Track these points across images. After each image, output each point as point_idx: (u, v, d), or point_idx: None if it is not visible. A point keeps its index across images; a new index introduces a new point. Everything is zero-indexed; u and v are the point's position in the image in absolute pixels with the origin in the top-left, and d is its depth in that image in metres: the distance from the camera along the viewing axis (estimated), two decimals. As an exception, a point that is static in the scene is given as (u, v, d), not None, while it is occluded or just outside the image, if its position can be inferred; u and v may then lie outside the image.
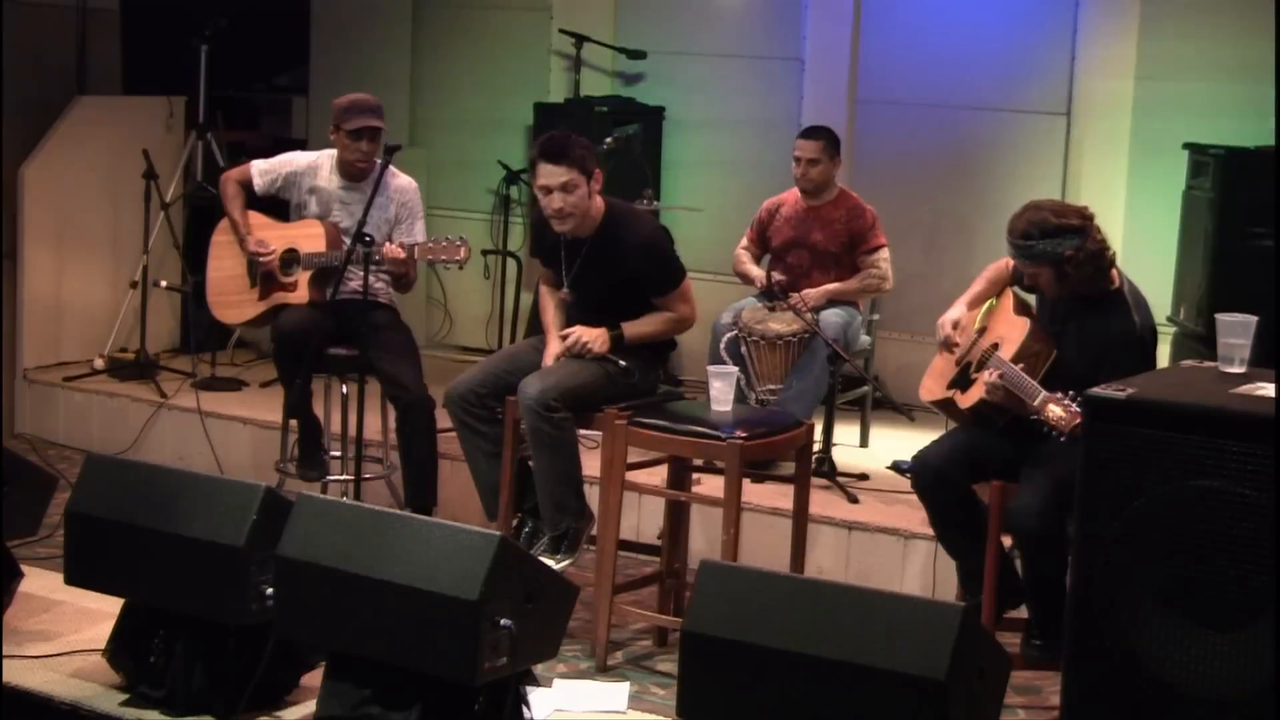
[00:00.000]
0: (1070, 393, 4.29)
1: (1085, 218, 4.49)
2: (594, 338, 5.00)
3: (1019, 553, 4.53)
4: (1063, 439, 4.28)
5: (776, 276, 6.03)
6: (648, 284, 5.05)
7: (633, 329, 5.05)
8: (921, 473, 4.67)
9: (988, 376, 4.54)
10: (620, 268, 5.02)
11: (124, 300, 7.56)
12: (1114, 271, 4.57)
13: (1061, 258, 4.45)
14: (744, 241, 6.48)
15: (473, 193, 8.14)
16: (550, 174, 4.90)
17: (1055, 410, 4.29)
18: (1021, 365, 4.48)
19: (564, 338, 5.04)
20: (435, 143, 8.33)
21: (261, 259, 5.77)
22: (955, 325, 4.84)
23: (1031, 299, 4.77)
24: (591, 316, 5.07)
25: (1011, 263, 4.75)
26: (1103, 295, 4.55)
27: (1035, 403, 4.35)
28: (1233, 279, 5.79)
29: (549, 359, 5.05)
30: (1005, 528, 4.50)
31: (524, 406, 4.86)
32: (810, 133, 6.36)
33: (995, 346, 4.67)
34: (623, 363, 5.02)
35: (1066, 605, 3.75)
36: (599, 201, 5.02)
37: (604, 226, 5.03)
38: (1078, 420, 4.17)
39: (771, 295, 6.04)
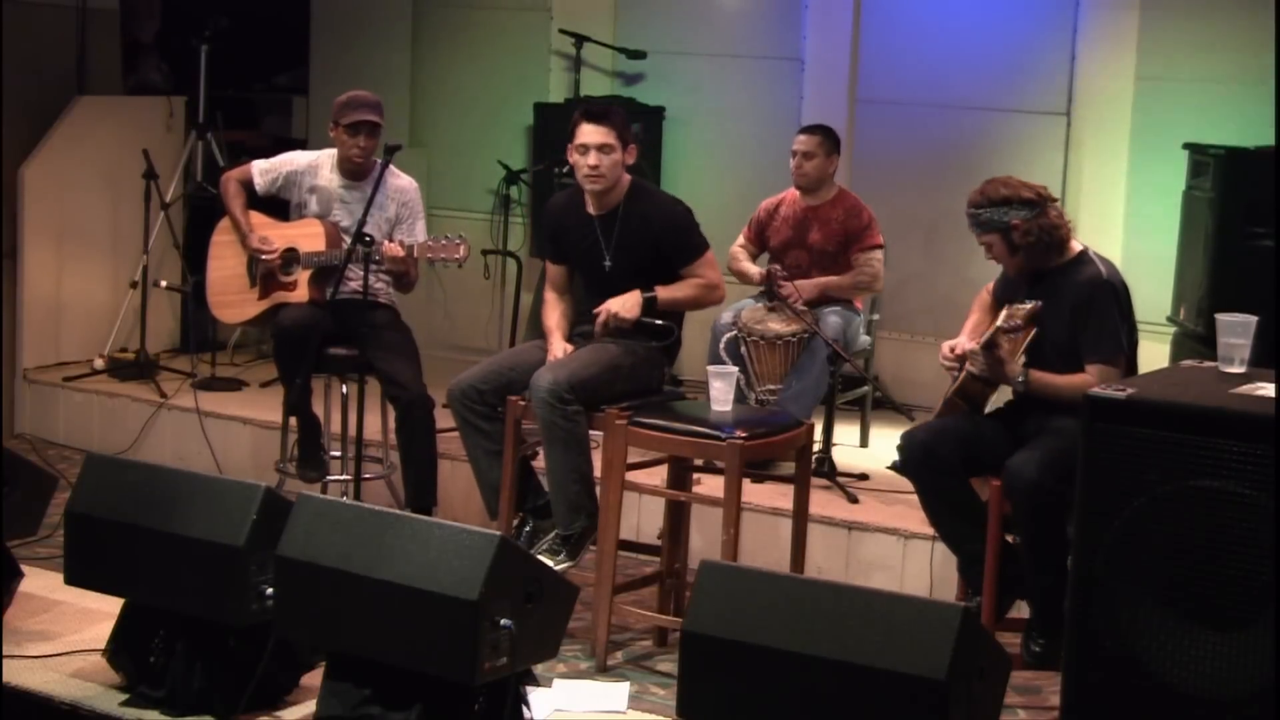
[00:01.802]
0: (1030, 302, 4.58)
1: (1040, 195, 4.61)
2: (623, 304, 5.02)
3: (1017, 531, 4.52)
4: (1017, 329, 4.52)
5: (776, 271, 6.03)
6: (674, 255, 5.10)
7: (666, 292, 5.08)
8: (909, 448, 4.67)
9: (967, 348, 4.67)
10: (647, 239, 5.07)
11: (124, 300, 7.56)
12: (1073, 242, 4.68)
13: (1008, 225, 4.56)
14: (740, 240, 6.48)
15: (473, 193, 8.13)
16: (590, 133, 5.00)
17: (1007, 318, 4.54)
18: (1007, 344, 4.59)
19: (595, 315, 5.06)
20: (435, 143, 8.33)
21: (264, 256, 5.77)
22: (954, 348, 4.84)
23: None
24: (636, 285, 5.10)
25: (993, 284, 4.89)
26: (1067, 264, 4.64)
27: (992, 332, 4.57)
28: (1233, 279, 5.78)
29: (555, 355, 5.05)
30: (1004, 493, 4.49)
31: (536, 399, 4.86)
32: (808, 128, 6.38)
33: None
34: (660, 321, 5.06)
35: (1066, 605, 3.75)
36: (625, 176, 5.11)
37: (629, 200, 5.11)
38: (1029, 315, 4.53)
39: (771, 294, 6.04)
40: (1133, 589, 3.58)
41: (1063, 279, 4.61)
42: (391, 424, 5.76)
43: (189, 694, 3.91)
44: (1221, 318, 4.03)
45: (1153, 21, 6.83)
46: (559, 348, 5.09)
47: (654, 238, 5.07)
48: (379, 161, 5.65)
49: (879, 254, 6.26)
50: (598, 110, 5.07)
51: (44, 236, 7.43)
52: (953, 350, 4.81)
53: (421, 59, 8.39)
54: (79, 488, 4.14)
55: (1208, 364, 4.08)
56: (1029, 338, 4.60)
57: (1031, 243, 4.57)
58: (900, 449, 4.72)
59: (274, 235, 5.83)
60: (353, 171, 5.79)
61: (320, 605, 3.68)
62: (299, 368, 5.57)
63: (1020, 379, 4.58)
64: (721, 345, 5.96)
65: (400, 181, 5.80)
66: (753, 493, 5.59)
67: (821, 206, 6.31)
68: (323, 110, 7.85)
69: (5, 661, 4.08)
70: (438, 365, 6.55)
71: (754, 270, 6.32)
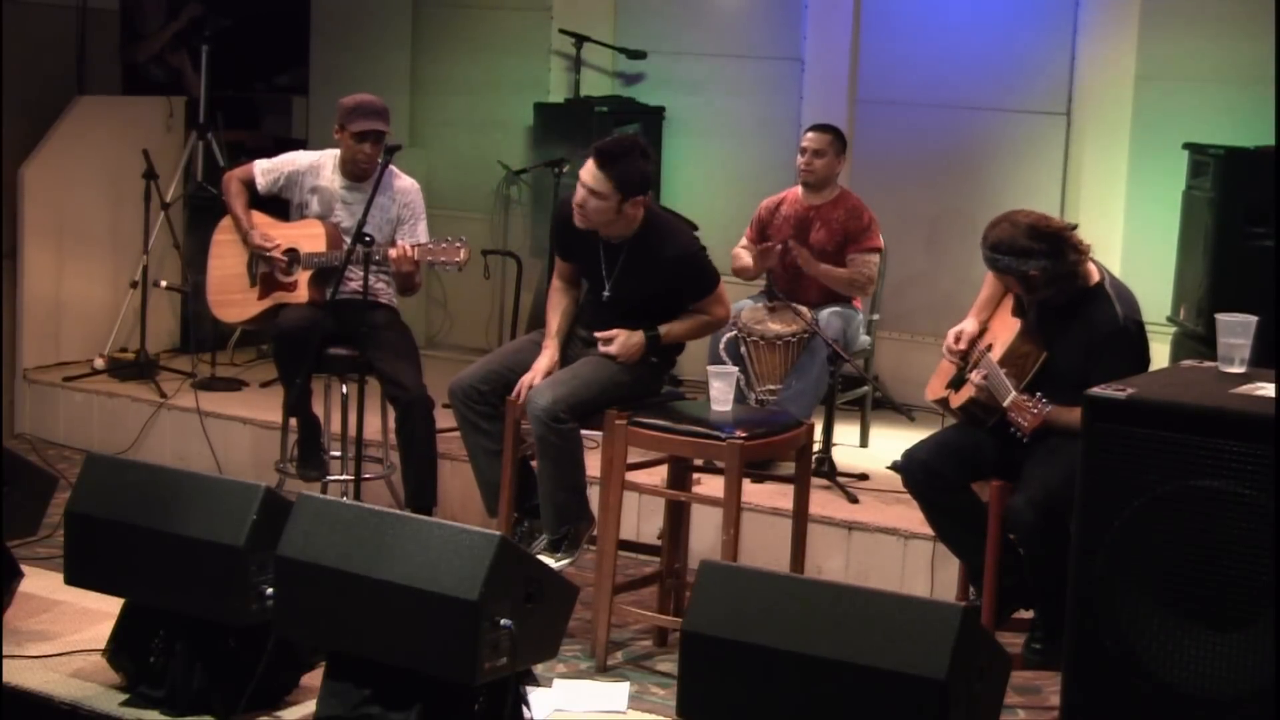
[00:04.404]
0: (1039, 395, 4.43)
1: (1060, 240, 4.49)
2: (625, 350, 5.00)
3: (1023, 551, 4.53)
4: (1024, 440, 4.43)
5: (792, 245, 6.08)
6: (686, 294, 5.09)
7: (669, 329, 5.08)
8: (909, 468, 4.68)
9: (974, 377, 4.60)
10: (656, 279, 5.04)
11: (124, 300, 7.55)
12: (1091, 266, 4.60)
13: (1026, 275, 4.50)
14: (743, 241, 6.48)
15: (473, 193, 8.13)
16: (588, 174, 4.91)
17: (1018, 411, 4.43)
18: (1007, 369, 4.52)
19: (604, 341, 5.03)
20: (435, 143, 8.33)
21: (266, 252, 5.77)
22: (959, 337, 4.83)
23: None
24: (631, 318, 5.08)
25: None
26: (1084, 293, 4.57)
27: (1005, 403, 4.46)
28: (1233, 279, 5.78)
29: (540, 370, 5.03)
30: (1006, 527, 4.51)
31: (533, 417, 4.87)
32: (819, 127, 6.39)
33: (990, 347, 4.70)
34: (654, 359, 5.08)
35: (1067, 605, 3.75)
36: (639, 210, 5.00)
37: (640, 235, 5.02)
38: (1038, 423, 4.39)
39: (772, 294, 6.06)
40: (1133, 589, 3.58)
41: (1078, 311, 4.56)
42: (391, 424, 5.76)
43: (189, 694, 3.91)
44: (1221, 318, 4.03)
45: (1153, 21, 6.83)
46: (548, 361, 5.06)
47: (663, 275, 5.03)
48: (379, 162, 5.65)
49: (875, 258, 6.26)
50: (606, 157, 4.87)
51: (44, 236, 7.43)
52: (958, 341, 4.80)
53: (421, 59, 8.39)
54: (79, 488, 4.14)
55: (1208, 364, 4.08)
56: (1038, 363, 4.58)
57: (1047, 291, 4.54)
58: (901, 470, 4.72)
59: (275, 235, 5.83)
60: (355, 173, 5.79)
61: (320, 605, 3.68)
62: (299, 368, 5.57)
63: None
64: (721, 345, 5.97)
65: (402, 182, 5.80)
66: (753, 493, 5.59)
67: (824, 206, 6.32)
68: (322, 110, 7.85)
69: (5, 661, 4.08)
70: (438, 365, 6.55)
71: (752, 261, 6.31)
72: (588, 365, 5.04)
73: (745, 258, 6.39)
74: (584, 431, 5.01)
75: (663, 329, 5.06)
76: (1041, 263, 4.47)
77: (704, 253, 5.12)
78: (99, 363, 7.42)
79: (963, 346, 4.80)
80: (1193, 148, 6.22)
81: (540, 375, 5.01)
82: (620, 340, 5.02)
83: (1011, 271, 4.52)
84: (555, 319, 5.21)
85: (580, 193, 4.93)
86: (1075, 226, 4.58)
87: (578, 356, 5.12)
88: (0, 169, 7.26)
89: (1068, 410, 4.38)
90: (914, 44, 7.33)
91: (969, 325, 4.85)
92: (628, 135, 5.09)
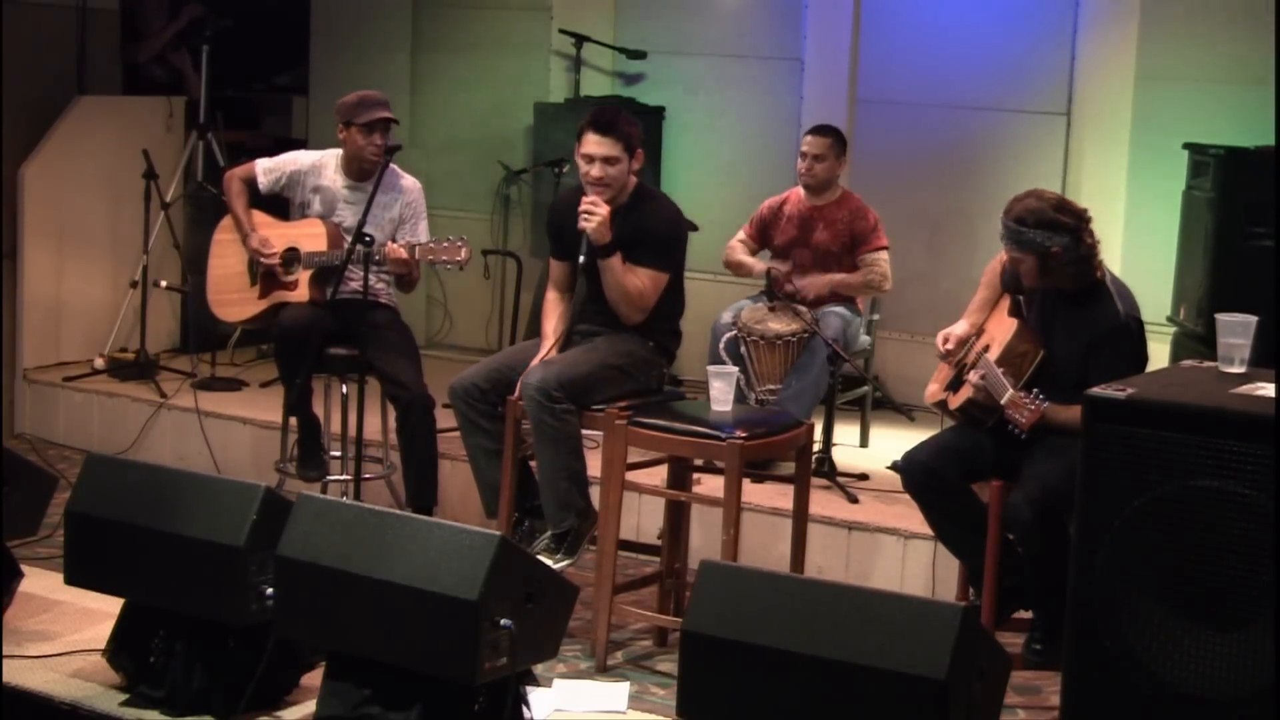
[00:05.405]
0: (1035, 391, 4.44)
1: (1082, 220, 4.52)
2: (599, 229, 4.93)
3: (1021, 550, 4.54)
4: (1022, 436, 4.44)
5: (778, 271, 6.06)
6: (639, 248, 5.03)
7: (618, 264, 4.99)
8: (910, 470, 4.68)
9: (971, 377, 4.60)
10: (633, 239, 5.03)
11: (124, 300, 7.56)
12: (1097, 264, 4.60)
13: (1047, 251, 4.49)
14: (740, 235, 6.48)
15: (473, 193, 8.13)
16: (596, 144, 4.97)
17: (1015, 409, 4.43)
18: (1005, 369, 4.52)
19: (592, 202, 4.98)
20: (435, 143, 8.33)
21: (263, 258, 5.77)
22: (947, 338, 4.83)
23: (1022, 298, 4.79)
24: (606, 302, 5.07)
25: (1001, 263, 4.78)
26: (1086, 289, 4.57)
27: (1002, 401, 4.47)
28: (1233, 279, 5.78)
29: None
30: (1005, 526, 4.51)
31: (526, 396, 4.87)
32: (819, 129, 6.39)
33: (987, 348, 4.70)
34: (581, 258, 5.03)
35: (1067, 605, 3.75)
36: (631, 179, 5.07)
37: (630, 204, 5.06)
38: (1035, 418, 4.40)
39: (772, 293, 6.06)
40: (1133, 589, 3.58)
41: (1079, 308, 4.56)
42: (391, 424, 5.77)
43: (189, 694, 3.91)
44: (1221, 318, 4.03)
45: (1153, 21, 6.83)
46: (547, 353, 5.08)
47: (639, 235, 5.05)
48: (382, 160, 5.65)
49: (885, 255, 6.28)
50: (605, 121, 5.00)
51: (44, 236, 7.43)
52: (947, 341, 4.80)
53: (421, 59, 8.39)
54: (79, 488, 4.14)
55: (1208, 364, 4.08)
56: (1036, 361, 4.58)
57: (1065, 272, 4.53)
58: (901, 471, 4.72)
59: (275, 235, 5.84)
60: (359, 171, 5.78)
61: (320, 605, 3.69)
62: (299, 368, 5.57)
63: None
64: (721, 345, 5.97)
65: (404, 181, 5.81)
66: (753, 493, 5.59)
67: (826, 207, 6.32)
68: (322, 110, 7.85)
69: (5, 661, 4.08)
70: (438, 365, 6.54)
71: (754, 264, 6.32)
72: (578, 349, 5.06)
73: (740, 252, 6.41)
74: (585, 432, 5.01)
75: (619, 255, 4.98)
76: (1065, 239, 4.47)
77: (675, 237, 5.12)
78: (99, 363, 7.42)
79: (950, 347, 4.80)
80: (1193, 148, 6.22)
81: None
82: (604, 211, 4.96)
83: (1034, 247, 4.49)
84: (551, 322, 5.22)
85: (597, 168, 4.96)
86: (1092, 219, 4.60)
87: (577, 355, 5.13)
88: (0, 169, 7.26)
89: (1065, 408, 4.38)
90: (914, 44, 7.33)
91: (958, 328, 4.86)
92: (604, 105, 5.12)
